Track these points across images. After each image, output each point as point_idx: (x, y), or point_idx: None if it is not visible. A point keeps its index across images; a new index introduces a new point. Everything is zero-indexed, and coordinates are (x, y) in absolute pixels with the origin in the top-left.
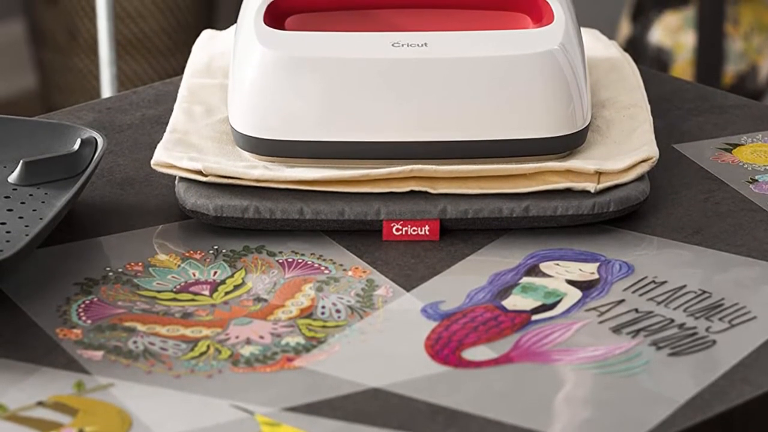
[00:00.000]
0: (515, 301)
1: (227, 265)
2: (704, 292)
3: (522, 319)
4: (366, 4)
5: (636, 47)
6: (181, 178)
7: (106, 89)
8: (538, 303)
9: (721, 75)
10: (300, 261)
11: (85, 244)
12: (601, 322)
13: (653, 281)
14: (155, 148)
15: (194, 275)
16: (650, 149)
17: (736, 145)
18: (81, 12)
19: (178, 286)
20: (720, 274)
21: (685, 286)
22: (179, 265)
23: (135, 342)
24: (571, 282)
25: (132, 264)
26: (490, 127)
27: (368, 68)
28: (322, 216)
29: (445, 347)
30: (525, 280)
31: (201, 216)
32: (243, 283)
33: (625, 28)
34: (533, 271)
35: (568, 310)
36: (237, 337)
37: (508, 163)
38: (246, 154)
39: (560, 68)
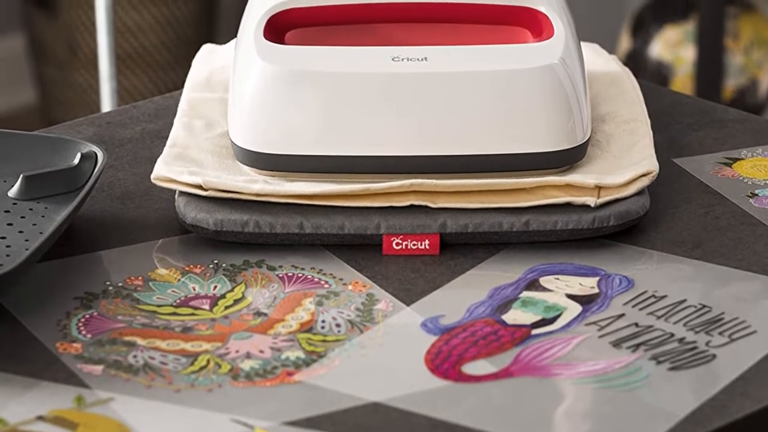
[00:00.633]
0: (515, 316)
1: (227, 279)
2: (704, 306)
3: (522, 334)
4: (366, 18)
5: (636, 61)
6: (181, 193)
7: (106, 103)
8: (538, 317)
9: (721, 89)
10: (300, 275)
11: (85, 258)
12: (601, 337)
13: (653, 295)
14: (155, 162)
15: (194, 289)
16: (650, 163)
17: (736, 160)
18: (81, 26)
19: (178, 301)
20: (720, 289)
21: (685, 300)
22: (179, 280)
23: (135, 356)
24: (571, 296)
25: (132, 278)
26: (490, 142)
27: (368, 82)
28: (322, 230)
29: (445, 361)
30: (525, 294)
31: (201, 230)
32: (243, 298)
33: (625, 43)
34: (533, 285)
35: (568, 325)
36: (237, 352)
37: (508, 177)
38: (246, 168)
39: (560, 82)
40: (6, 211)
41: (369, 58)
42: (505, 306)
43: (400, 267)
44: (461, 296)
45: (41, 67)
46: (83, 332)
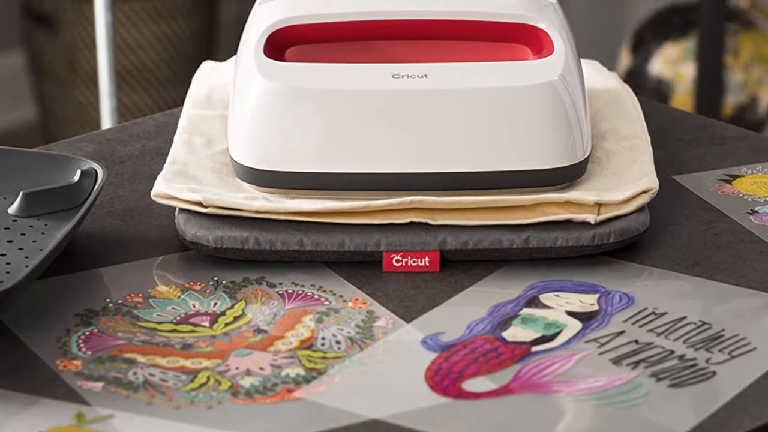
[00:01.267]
0: (515, 333)
1: (227, 296)
2: (704, 323)
3: (522, 351)
4: (366, 35)
5: (636, 78)
6: (182, 210)
7: (106, 120)
8: (538, 334)
9: (721, 106)
10: (300, 292)
11: (85, 275)
12: (601, 354)
13: (653, 312)
14: (155, 179)
15: (194, 306)
16: (650, 180)
17: (736, 177)
18: (81, 43)
19: (178, 318)
20: (720, 306)
21: (685, 317)
22: (179, 297)
23: (135, 373)
24: (571, 313)
25: (132, 295)
26: (490, 159)
27: (368, 99)
28: (322, 247)
29: (445, 378)
30: (525, 311)
31: (201, 247)
32: (243, 315)
33: (625, 60)
34: (533, 302)
35: (568, 342)
36: (237, 369)
37: (509, 194)
38: (246, 185)
39: (560, 99)
40: (6, 228)
41: (369, 75)
42: (505, 323)
43: (400, 284)
44: (461, 313)
45: (41, 84)
46: (83, 349)
